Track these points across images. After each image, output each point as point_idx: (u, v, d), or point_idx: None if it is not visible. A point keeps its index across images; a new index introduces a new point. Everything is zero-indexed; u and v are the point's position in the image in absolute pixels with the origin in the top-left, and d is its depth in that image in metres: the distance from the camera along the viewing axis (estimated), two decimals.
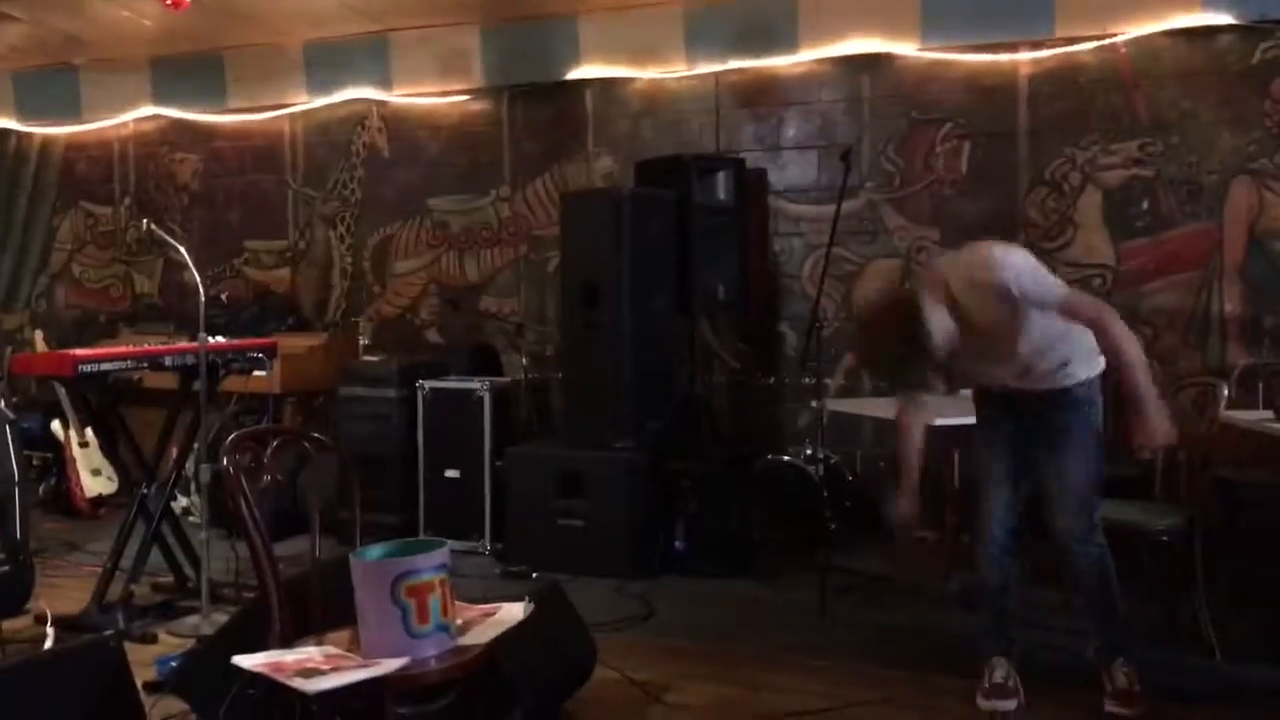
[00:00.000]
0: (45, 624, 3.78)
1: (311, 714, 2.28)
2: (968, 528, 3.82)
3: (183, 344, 4.42)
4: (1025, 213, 5.30)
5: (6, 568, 3.77)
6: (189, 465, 4.82)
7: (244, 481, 2.48)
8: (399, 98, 6.53)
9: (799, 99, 5.78)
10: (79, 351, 4.11)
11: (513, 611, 2.57)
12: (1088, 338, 3.08)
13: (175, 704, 3.02)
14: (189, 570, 4.45)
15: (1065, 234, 5.30)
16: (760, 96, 5.85)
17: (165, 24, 6.25)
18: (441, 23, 6.22)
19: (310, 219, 6.81)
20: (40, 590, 4.05)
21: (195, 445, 4.44)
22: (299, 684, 2.12)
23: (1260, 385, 4.76)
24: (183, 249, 4.28)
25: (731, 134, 5.90)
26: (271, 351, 4.62)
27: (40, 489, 6.26)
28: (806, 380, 5.42)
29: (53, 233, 7.50)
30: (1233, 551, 4.09)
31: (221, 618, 3.81)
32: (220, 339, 4.42)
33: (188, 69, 6.92)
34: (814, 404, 5.09)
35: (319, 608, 2.54)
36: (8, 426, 3.99)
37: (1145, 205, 5.19)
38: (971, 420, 3.50)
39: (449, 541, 2.49)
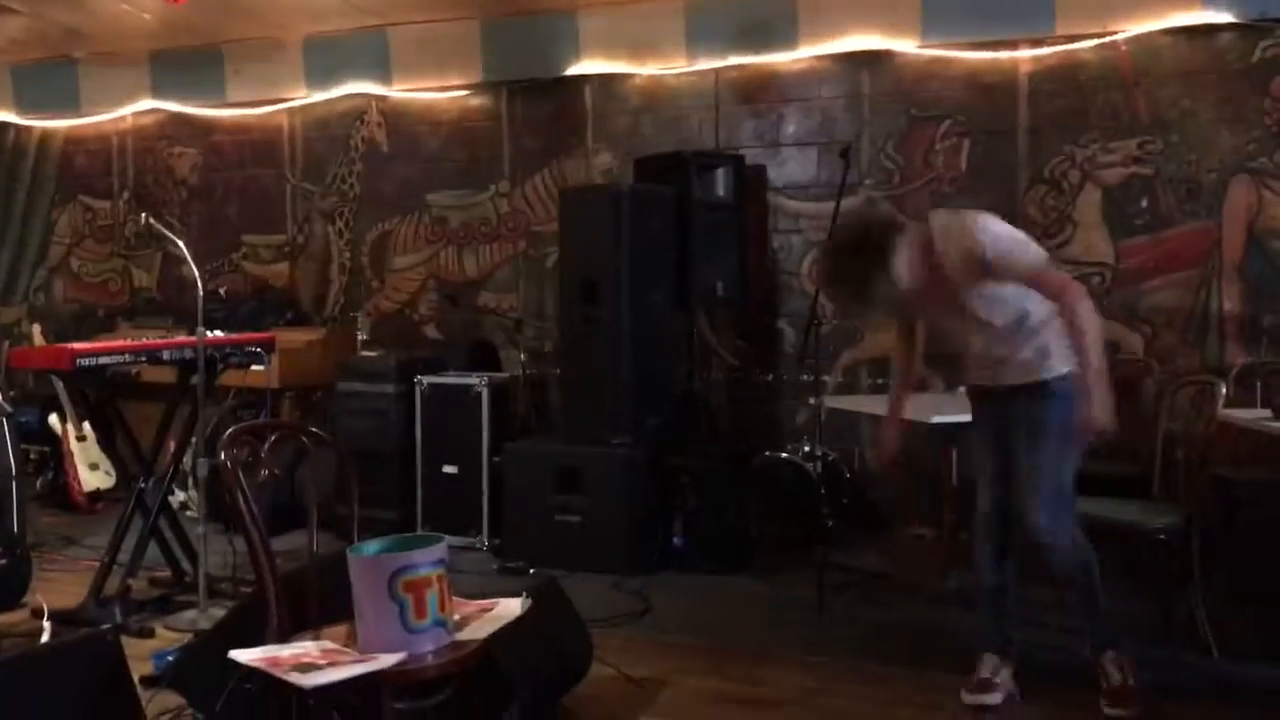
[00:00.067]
0: (42, 618, 3.78)
1: (308, 709, 2.29)
2: (965, 525, 3.82)
3: (181, 338, 4.42)
4: (1024, 210, 5.30)
5: (4, 561, 3.78)
6: (187, 459, 4.81)
7: (241, 476, 2.48)
8: (398, 92, 6.52)
9: (799, 95, 5.78)
10: (77, 345, 4.11)
11: (510, 607, 2.57)
12: (1093, 340, 3.07)
13: (172, 698, 3.02)
14: (186, 565, 4.44)
15: (1064, 232, 5.31)
16: (760, 93, 5.84)
17: (165, 18, 6.24)
18: (441, 18, 6.22)
19: (309, 214, 6.81)
20: (37, 584, 4.05)
21: (193, 439, 4.44)
22: (296, 679, 2.12)
23: (1258, 384, 4.76)
24: (181, 243, 4.27)
25: (731, 130, 5.89)
26: (270, 346, 4.62)
27: (38, 483, 6.26)
28: (805, 377, 5.43)
29: (51, 226, 7.48)
30: (1230, 550, 4.09)
31: (219, 612, 3.80)
32: (218, 333, 4.42)
33: (187, 63, 6.91)
34: (812, 401, 5.10)
35: (316, 603, 2.53)
36: (5, 420, 3.99)
37: (1144, 203, 5.19)
38: (969, 418, 3.50)
39: (447, 537, 2.48)
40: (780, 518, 5.16)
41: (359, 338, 6.01)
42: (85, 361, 3.94)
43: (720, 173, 5.52)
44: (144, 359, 4.23)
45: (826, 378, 5.57)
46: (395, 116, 6.56)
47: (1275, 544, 4.01)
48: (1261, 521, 4.18)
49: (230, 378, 4.68)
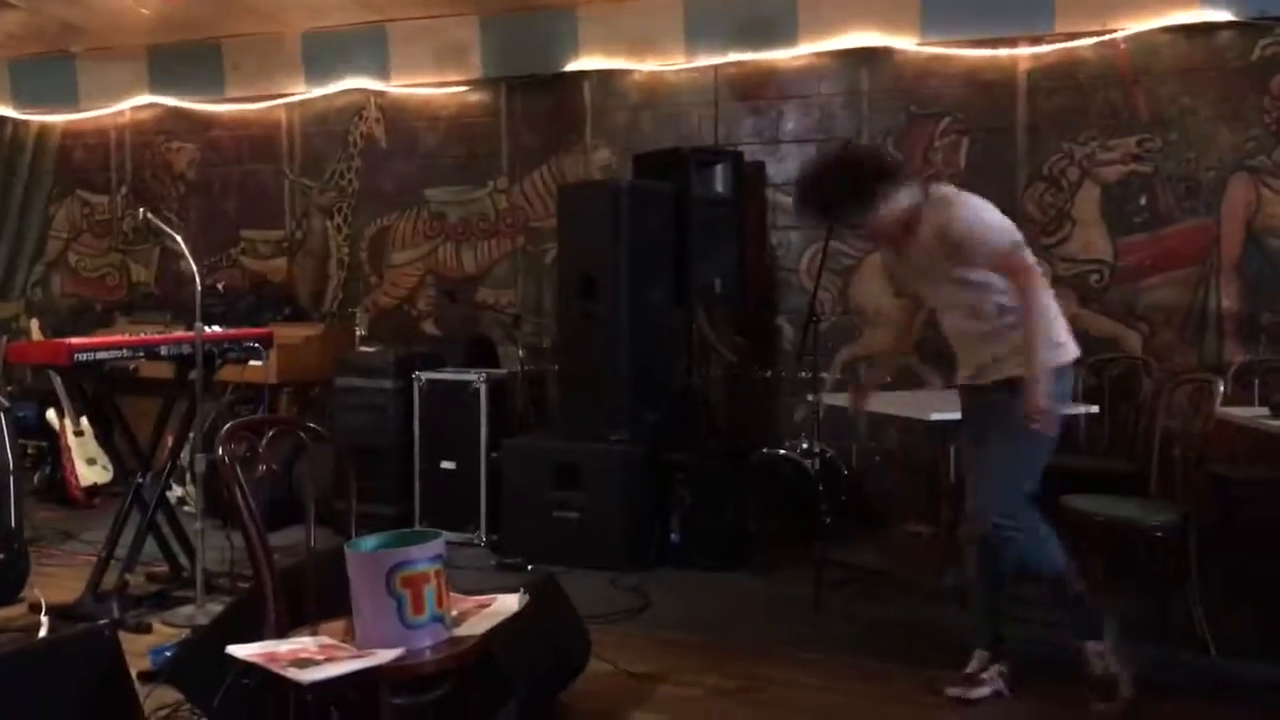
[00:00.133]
0: (40, 613, 3.78)
1: (306, 704, 2.29)
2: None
3: (179, 333, 4.42)
4: (1024, 208, 5.30)
5: (1, 556, 3.78)
6: (184, 455, 4.81)
7: (239, 471, 2.48)
8: (397, 88, 6.51)
9: (798, 92, 5.77)
10: (75, 340, 4.10)
11: (508, 603, 2.57)
12: (1041, 328, 3.08)
13: (170, 694, 3.02)
14: (184, 560, 4.44)
15: (1063, 229, 5.31)
16: (759, 89, 5.84)
17: (163, 12, 6.23)
18: (440, 13, 6.21)
19: (307, 209, 6.80)
20: (35, 579, 4.05)
21: (191, 435, 4.43)
22: (293, 674, 2.12)
23: (1256, 381, 4.77)
24: (179, 238, 4.27)
25: (730, 127, 5.89)
26: (267, 341, 4.61)
27: (35, 478, 6.25)
28: (803, 374, 5.43)
29: (49, 221, 7.47)
30: (1227, 548, 4.10)
31: (216, 608, 3.81)
32: (216, 328, 4.41)
33: (185, 58, 6.90)
34: (810, 398, 5.09)
35: (314, 598, 2.53)
36: (2, 415, 3.99)
37: (1143, 201, 5.20)
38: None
39: (444, 533, 2.48)
40: (778, 514, 5.17)
41: (357, 333, 6.01)
42: (83, 356, 3.93)
43: (719, 169, 5.51)
44: (142, 354, 4.22)
45: (825, 374, 5.56)
46: (394, 112, 6.55)
47: (1273, 542, 4.02)
48: (1259, 519, 4.19)
49: (228, 373, 4.67)
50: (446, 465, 5.35)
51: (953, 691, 3.28)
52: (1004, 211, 3.23)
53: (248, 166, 6.92)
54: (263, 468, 2.62)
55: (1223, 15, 4.99)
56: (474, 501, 5.28)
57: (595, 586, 4.46)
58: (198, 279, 4.07)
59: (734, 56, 5.81)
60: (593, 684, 3.32)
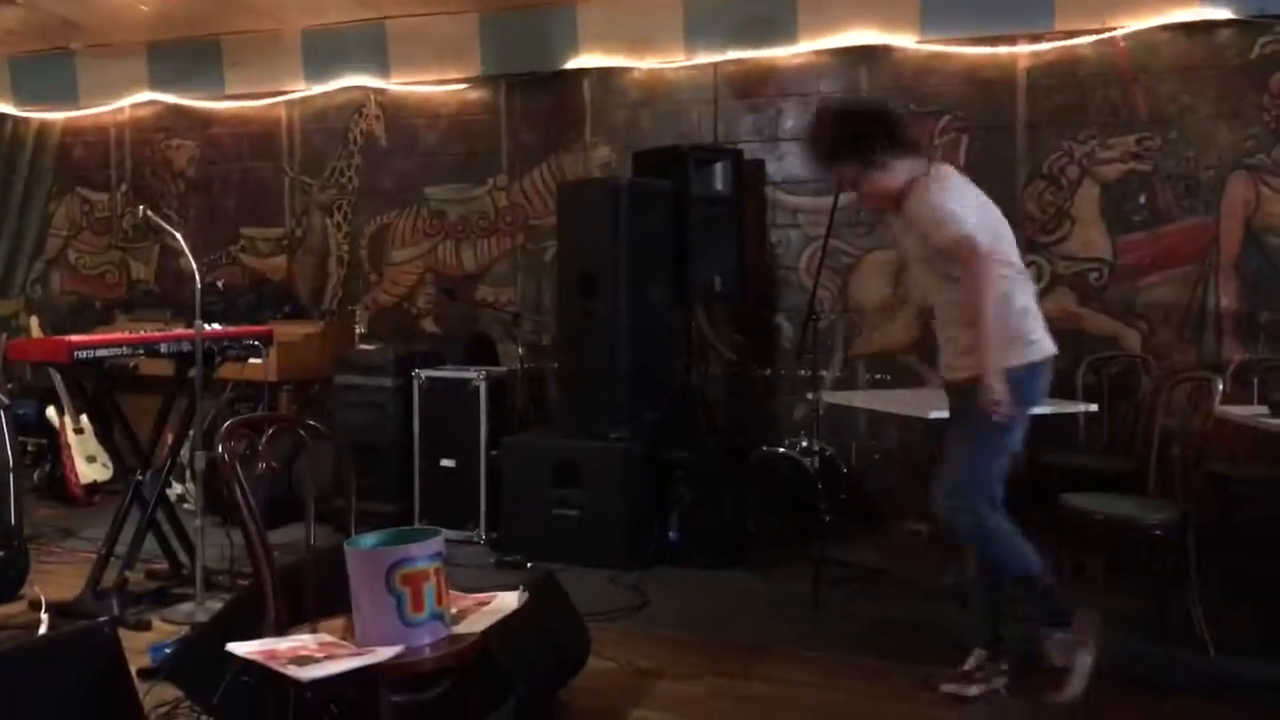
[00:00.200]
0: (40, 610, 3.78)
1: (305, 702, 2.29)
2: None
3: (179, 331, 4.42)
4: (1023, 206, 5.31)
5: (1, 554, 3.78)
6: (184, 452, 4.82)
7: (239, 469, 2.48)
8: (397, 86, 6.51)
9: (797, 90, 5.77)
10: (74, 338, 4.10)
11: (507, 601, 2.58)
12: (1010, 324, 3.08)
13: (169, 691, 3.02)
14: (184, 557, 4.45)
15: (1062, 227, 5.31)
16: (759, 87, 5.84)
17: (162, 9, 6.23)
18: (440, 11, 6.20)
19: (307, 207, 6.80)
20: (35, 576, 4.04)
21: (190, 432, 4.44)
22: (293, 671, 2.12)
23: (1255, 380, 4.77)
24: (179, 235, 4.27)
25: (730, 125, 5.89)
26: (267, 339, 4.61)
27: (35, 475, 6.25)
28: (802, 372, 5.43)
29: (49, 218, 7.47)
30: (1226, 546, 4.10)
31: (216, 605, 3.81)
32: (216, 326, 4.41)
33: (185, 55, 6.89)
34: (810, 396, 5.10)
35: (313, 595, 2.53)
36: (2, 412, 3.99)
37: (1143, 199, 5.19)
38: None
39: (444, 530, 2.48)
40: (777, 513, 5.17)
41: (357, 331, 6.00)
42: (83, 354, 3.93)
43: (719, 167, 5.51)
44: (141, 352, 4.23)
45: (824, 373, 5.57)
46: (393, 110, 6.55)
47: (1272, 540, 4.02)
48: (1258, 518, 4.19)
49: (228, 371, 4.68)
50: (446, 463, 5.35)
51: (948, 688, 3.29)
52: (1003, 210, 3.23)
53: (247, 164, 6.92)
54: (262, 465, 2.62)
55: (1222, 13, 4.99)
56: (473, 499, 5.28)
57: (594, 584, 4.46)
58: (197, 276, 4.07)
59: (733, 54, 5.81)
60: (592, 681, 3.33)
